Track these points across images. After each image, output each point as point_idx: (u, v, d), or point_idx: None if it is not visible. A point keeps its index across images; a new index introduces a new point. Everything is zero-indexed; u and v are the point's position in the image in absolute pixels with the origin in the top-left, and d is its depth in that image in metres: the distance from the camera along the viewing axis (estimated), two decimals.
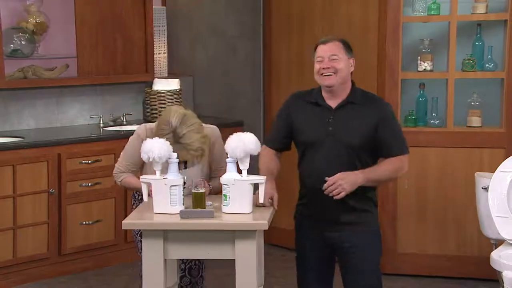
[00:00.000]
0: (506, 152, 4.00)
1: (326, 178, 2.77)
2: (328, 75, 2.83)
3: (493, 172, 3.55)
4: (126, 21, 4.83)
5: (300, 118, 2.91)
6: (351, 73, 2.93)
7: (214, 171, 3.10)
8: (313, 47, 2.94)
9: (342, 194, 2.74)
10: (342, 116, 2.85)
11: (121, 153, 3.14)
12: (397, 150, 2.86)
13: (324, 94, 2.91)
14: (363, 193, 2.86)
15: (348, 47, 2.89)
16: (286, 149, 3.02)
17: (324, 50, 2.85)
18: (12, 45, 4.52)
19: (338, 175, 2.75)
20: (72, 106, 4.82)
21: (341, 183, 2.74)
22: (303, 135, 2.90)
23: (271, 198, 2.88)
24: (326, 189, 2.76)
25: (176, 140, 2.87)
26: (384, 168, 2.84)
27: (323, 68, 2.84)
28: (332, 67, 2.83)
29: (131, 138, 3.12)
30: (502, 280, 2.97)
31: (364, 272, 2.89)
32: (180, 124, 2.87)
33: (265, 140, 3.03)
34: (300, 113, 2.92)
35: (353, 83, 2.93)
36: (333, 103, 2.88)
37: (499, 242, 3.54)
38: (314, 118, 2.88)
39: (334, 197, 2.75)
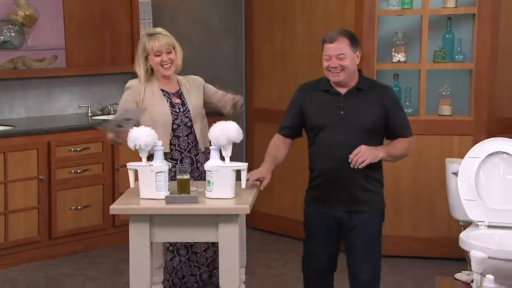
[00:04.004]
0: (474, 139, 4.04)
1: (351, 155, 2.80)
2: (337, 72, 2.87)
3: (462, 158, 3.58)
4: (113, 13, 4.79)
5: (312, 104, 2.95)
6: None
7: (217, 99, 3.24)
8: (321, 41, 2.92)
9: (367, 161, 2.78)
10: (352, 100, 2.90)
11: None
12: (406, 132, 2.95)
13: (332, 83, 2.95)
14: (373, 174, 2.91)
15: (354, 41, 2.89)
16: (297, 136, 3.05)
17: (331, 49, 2.87)
18: (2, 37, 4.47)
19: (362, 146, 2.80)
20: (61, 96, 4.77)
21: (365, 151, 2.79)
22: (315, 120, 2.94)
23: (260, 180, 2.91)
24: (351, 160, 2.79)
25: None
26: (399, 146, 2.93)
27: (331, 67, 2.87)
28: (340, 65, 2.86)
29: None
30: (469, 259, 3.01)
31: (366, 250, 2.92)
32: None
33: (278, 128, 3.06)
34: (311, 100, 2.96)
35: (360, 71, 2.96)
36: (342, 90, 2.92)
37: (467, 224, 3.58)
38: (325, 103, 2.92)
39: (358, 166, 2.78)
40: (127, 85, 3.27)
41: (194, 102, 3.20)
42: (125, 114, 3.02)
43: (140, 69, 3.19)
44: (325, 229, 2.95)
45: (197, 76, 3.34)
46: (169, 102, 3.16)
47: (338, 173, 2.85)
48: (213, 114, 3.33)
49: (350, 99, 2.90)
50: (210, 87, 3.31)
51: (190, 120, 3.16)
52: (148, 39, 3.16)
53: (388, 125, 2.91)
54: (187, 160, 3.11)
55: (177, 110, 3.16)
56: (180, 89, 3.22)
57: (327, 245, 2.97)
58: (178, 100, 3.18)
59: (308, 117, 2.96)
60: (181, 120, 3.15)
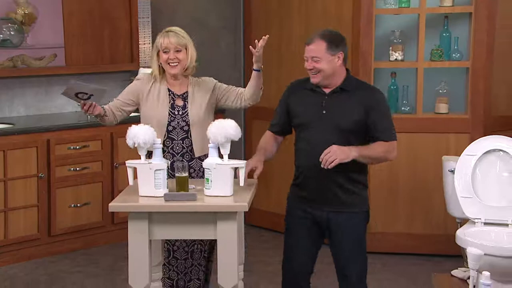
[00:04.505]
0: (471, 137, 4.04)
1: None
2: (313, 73, 2.87)
3: (459, 156, 3.58)
4: (112, 12, 4.79)
5: (297, 103, 2.95)
6: (345, 62, 2.90)
7: (235, 94, 3.24)
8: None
9: (336, 161, 2.74)
10: (335, 100, 2.88)
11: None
12: (387, 136, 2.87)
13: None
14: (355, 176, 2.89)
15: (332, 44, 2.84)
16: (286, 133, 3.06)
17: (307, 51, 2.87)
18: (1, 35, 4.46)
19: (333, 146, 2.77)
20: (60, 94, 4.75)
21: (335, 150, 2.75)
22: (298, 118, 2.94)
23: (252, 169, 2.91)
24: (321, 160, 2.75)
25: None
26: (376, 148, 2.86)
27: (307, 69, 2.88)
28: (314, 68, 2.85)
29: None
30: (466, 256, 3.01)
31: (351, 251, 2.91)
32: None
33: (269, 125, 3.09)
34: (297, 98, 2.96)
35: (348, 71, 2.94)
36: (327, 90, 2.91)
37: (464, 221, 3.59)
38: (309, 102, 2.92)
39: (328, 166, 2.74)
40: (138, 76, 3.31)
41: (196, 107, 3.13)
42: (85, 87, 3.01)
43: (153, 65, 3.18)
44: (304, 226, 2.93)
45: (209, 78, 3.27)
46: (171, 103, 3.13)
47: (317, 172, 2.82)
48: (214, 113, 3.31)
49: (333, 99, 2.88)
50: (223, 86, 3.26)
51: (188, 125, 3.12)
52: (160, 36, 3.15)
53: (369, 126, 2.86)
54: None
55: (176, 113, 3.12)
56: (187, 91, 3.17)
57: (305, 244, 2.94)
58: (180, 103, 3.13)
59: (293, 115, 2.96)
60: (178, 123, 3.11)
